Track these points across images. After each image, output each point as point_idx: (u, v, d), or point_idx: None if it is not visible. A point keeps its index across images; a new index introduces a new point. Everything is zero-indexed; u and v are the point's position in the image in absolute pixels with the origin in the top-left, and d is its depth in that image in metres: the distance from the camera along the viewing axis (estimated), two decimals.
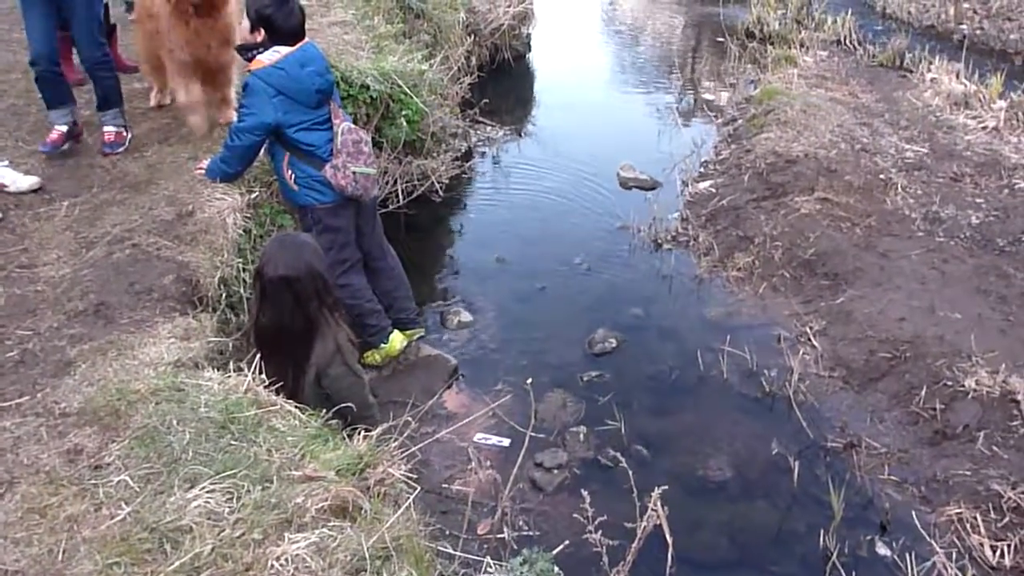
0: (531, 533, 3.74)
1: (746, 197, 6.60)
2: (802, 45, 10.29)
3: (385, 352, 4.83)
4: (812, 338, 5.06)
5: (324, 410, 3.12)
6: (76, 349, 3.32)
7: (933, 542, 3.63)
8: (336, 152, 4.28)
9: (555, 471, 4.19)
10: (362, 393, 3.44)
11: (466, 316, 5.47)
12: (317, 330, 3.28)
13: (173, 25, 4.66)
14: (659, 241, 6.37)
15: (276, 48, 4.13)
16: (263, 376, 3.13)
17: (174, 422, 2.85)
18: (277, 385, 3.13)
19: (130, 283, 3.78)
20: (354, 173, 4.28)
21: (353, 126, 4.43)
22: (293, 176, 4.30)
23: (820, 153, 6.88)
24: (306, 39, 4.26)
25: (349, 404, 3.28)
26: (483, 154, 7.98)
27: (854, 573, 3.55)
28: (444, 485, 4.03)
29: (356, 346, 3.46)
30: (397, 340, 4.86)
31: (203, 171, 4.51)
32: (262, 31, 4.14)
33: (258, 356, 3.25)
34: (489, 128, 8.14)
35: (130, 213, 4.29)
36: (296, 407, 3.02)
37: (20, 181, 4.45)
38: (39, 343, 3.37)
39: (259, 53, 4.14)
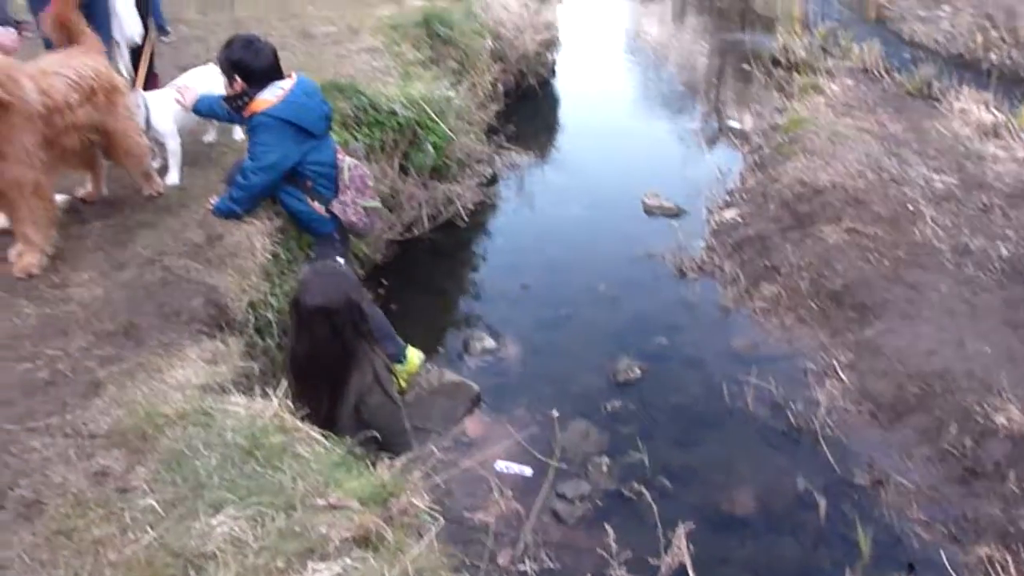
0: (553, 566, 3.71)
1: (772, 226, 6.57)
2: (828, 73, 10.25)
3: (406, 371, 4.83)
4: (839, 371, 5.01)
5: (360, 437, 3.12)
6: (106, 370, 3.34)
7: None
8: (344, 188, 4.38)
9: (577, 502, 4.17)
10: (400, 420, 3.44)
11: (489, 342, 5.47)
12: (354, 360, 3.28)
13: None
14: (684, 270, 6.35)
15: (278, 84, 4.22)
16: (291, 403, 3.13)
17: (200, 446, 2.85)
18: (312, 412, 3.13)
19: (159, 305, 3.80)
20: (364, 208, 4.37)
21: (356, 161, 4.52)
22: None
23: (847, 183, 6.84)
24: (293, 73, 4.35)
25: (386, 432, 3.28)
26: (508, 180, 7.99)
27: None
28: (465, 513, 4.01)
29: (393, 373, 3.46)
30: (415, 356, 4.87)
31: (212, 207, 4.49)
32: (238, 79, 4.22)
33: (293, 383, 3.25)
34: (514, 154, 8.16)
35: (161, 235, 4.33)
36: (322, 434, 3.02)
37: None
38: (69, 363, 3.39)
39: (248, 101, 4.21)
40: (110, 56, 4.73)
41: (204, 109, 4.65)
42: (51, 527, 2.57)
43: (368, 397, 3.31)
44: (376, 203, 4.52)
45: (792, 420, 4.70)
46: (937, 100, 9.41)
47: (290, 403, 3.14)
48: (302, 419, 3.07)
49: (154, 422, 2.98)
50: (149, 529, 2.52)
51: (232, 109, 4.35)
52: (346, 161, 4.45)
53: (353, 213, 4.39)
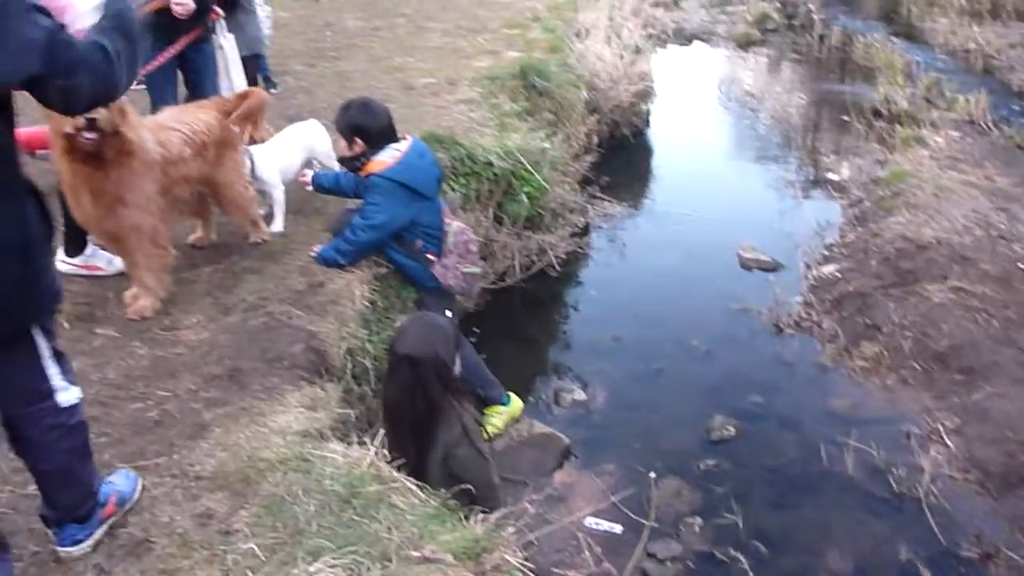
0: None
1: (874, 283, 6.37)
2: (933, 125, 9.97)
3: (509, 414, 4.84)
4: (945, 436, 4.79)
5: (447, 489, 3.14)
6: (211, 413, 3.46)
7: None
8: (447, 251, 4.51)
9: (669, 563, 4.07)
10: (489, 475, 3.45)
11: (580, 394, 5.44)
12: (440, 413, 3.32)
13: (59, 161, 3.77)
14: (781, 326, 6.20)
15: (394, 147, 4.39)
16: (387, 451, 3.18)
17: (300, 493, 2.93)
18: (401, 460, 3.18)
19: (263, 350, 3.93)
20: (464, 273, 4.47)
21: (463, 226, 4.64)
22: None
23: (953, 239, 6.61)
24: (408, 136, 4.52)
25: (474, 485, 3.30)
26: (601, 230, 7.99)
27: None
28: (555, 570, 3.96)
29: (482, 426, 3.49)
30: (517, 400, 4.89)
31: (315, 255, 4.64)
32: (358, 140, 4.39)
33: (388, 431, 3.31)
34: (607, 204, 8.17)
35: (265, 281, 4.49)
36: (417, 484, 3.05)
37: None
38: (177, 405, 3.54)
39: (365, 161, 4.38)
40: None
41: (328, 184, 4.87)
42: (158, 566, 2.66)
43: (456, 449, 3.34)
44: (477, 270, 4.64)
45: (894, 486, 4.51)
46: None
47: (386, 452, 3.19)
48: (398, 469, 3.12)
49: (256, 466, 3.07)
50: (250, 573, 2.59)
51: (349, 169, 4.54)
52: (452, 225, 4.60)
53: (452, 277, 4.52)
